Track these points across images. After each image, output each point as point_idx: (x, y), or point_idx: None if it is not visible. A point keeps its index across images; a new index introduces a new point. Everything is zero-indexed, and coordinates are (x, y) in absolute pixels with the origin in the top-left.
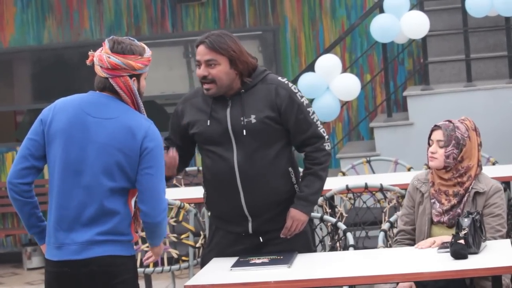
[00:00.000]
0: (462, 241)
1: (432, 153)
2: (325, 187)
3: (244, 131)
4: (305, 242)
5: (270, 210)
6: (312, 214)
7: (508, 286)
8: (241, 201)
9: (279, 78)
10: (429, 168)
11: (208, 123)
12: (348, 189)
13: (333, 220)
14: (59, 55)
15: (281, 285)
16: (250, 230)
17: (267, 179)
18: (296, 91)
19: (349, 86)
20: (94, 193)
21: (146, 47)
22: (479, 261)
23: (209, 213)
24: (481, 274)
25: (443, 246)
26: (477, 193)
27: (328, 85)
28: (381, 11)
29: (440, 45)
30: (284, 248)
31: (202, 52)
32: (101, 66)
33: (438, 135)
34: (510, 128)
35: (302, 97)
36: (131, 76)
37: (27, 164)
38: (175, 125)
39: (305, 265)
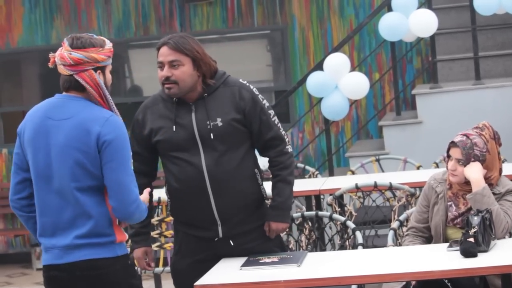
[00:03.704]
0: (471, 239)
1: (452, 170)
2: (335, 186)
3: (212, 134)
4: (278, 242)
5: (239, 213)
6: (321, 213)
7: None
8: (211, 206)
9: (240, 80)
10: (438, 166)
11: (174, 129)
12: (357, 188)
13: (343, 218)
14: None
15: (291, 284)
16: (220, 234)
17: (236, 182)
18: (257, 93)
19: (357, 84)
20: (66, 196)
21: (106, 39)
22: (489, 259)
23: (172, 220)
24: (491, 272)
25: (452, 244)
26: (493, 195)
27: (337, 84)
28: (389, 9)
29: (448, 43)
30: (260, 250)
31: (165, 53)
32: (63, 64)
33: (456, 153)
34: None
35: (263, 99)
36: (95, 70)
37: (19, 178)
38: (138, 136)
39: (315, 264)
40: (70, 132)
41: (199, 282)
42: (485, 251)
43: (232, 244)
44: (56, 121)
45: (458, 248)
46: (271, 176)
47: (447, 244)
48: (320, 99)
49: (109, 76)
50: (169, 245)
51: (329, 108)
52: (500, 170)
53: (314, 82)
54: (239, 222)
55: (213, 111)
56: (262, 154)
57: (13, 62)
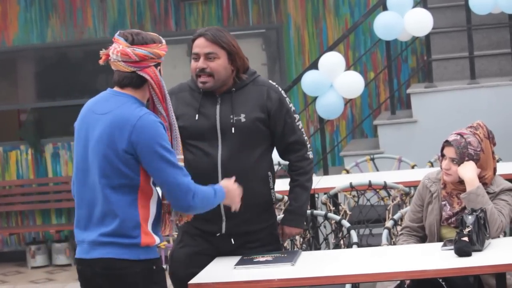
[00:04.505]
0: (466, 239)
1: (446, 169)
2: (329, 185)
3: (233, 128)
4: (275, 248)
5: (245, 212)
6: (316, 211)
7: None
8: None
9: (270, 81)
10: (432, 166)
11: (196, 118)
12: (352, 187)
13: (337, 217)
14: (62, 53)
15: (285, 283)
16: (223, 230)
17: (248, 180)
18: (285, 96)
19: (352, 83)
20: (97, 192)
21: (159, 36)
22: (483, 259)
23: None
24: (485, 272)
25: (447, 243)
26: (487, 194)
27: (332, 82)
28: (385, 8)
29: (443, 43)
30: (256, 253)
31: (202, 45)
32: (125, 61)
33: (450, 152)
34: None
35: (290, 103)
36: (155, 66)
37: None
38: None
39: (309, 263)
40: (104, 127)
41: (193, 280)
42: (480, 250)
43: (233, 242)
44: (97, 115)
45: (452, 247)
46: (287, 174)
47: (441, 243)
48: (315, 98)
49: (161, 72)
50: (163, 244)
51: (324, 107)
52: (495, 170)
53: (309, 81)
54: (244, 221)
55: (238, 107)
56: (283, 157)
57: (9, 61)
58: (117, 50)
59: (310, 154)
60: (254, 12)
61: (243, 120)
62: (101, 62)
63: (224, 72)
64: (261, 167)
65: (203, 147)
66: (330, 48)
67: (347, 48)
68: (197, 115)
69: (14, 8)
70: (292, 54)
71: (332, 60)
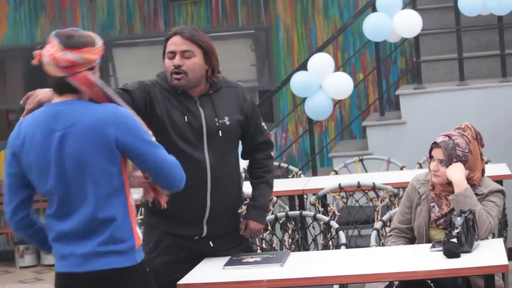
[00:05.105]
0: (454, 240)
1: (435, 171)
2: (318, 185)
3: (220, 132)
4: (246, 247)
5: (226, 214)
6: (305, 212)
7: (501, 287)
8: (206, 203)
9: (238, 82)
10: (421, 167)
11: (186, 119)
12: (340, 188)
13: (326, 218)
14: None
15: (274, 284)
16: (204, 233)
17: (231, 183)
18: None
19: (341, 85)
20: (87, 202)
21: (95, 35)
22: (472, 260)
23: (145, 217)
24: (473, 273)
25: (435, 245)
26: (476, 195)
27: (321, 84)
28: (374, 10)
29: (432, 44)
30: (230, 254)
31: (178, 42)
32: (56, 66)
33: (438, 153)
34: (502, 127)
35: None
36: (89, 70)
37: (20, 198)
38: (143, 92)
39: (298, 264)
40: (83, 138)
41: (181, 281)
42: (468, 251)
43: (211, 245)
44: (62, 131)
45: (441, 248)
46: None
47: (430, 244)
48: (304, 99)
49: (97, 74)
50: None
51: (313, 108)
52: (483, 171)
53: (298, 82)
54: (223, 224)
55: (220, 109)
56: (248, 156)
57: None
58: (50, 53)
59: (273, 154)
60: (243, 12)
61: (227, 123)
62: (34, 62)
63: (199, 71)
64: (237, 168)
65: (189, 151)
66: (319, 49)
67: (336, 49)
68: (185, 117)
69: (3, 8)
70: (281, 55)
71: (321, 61)
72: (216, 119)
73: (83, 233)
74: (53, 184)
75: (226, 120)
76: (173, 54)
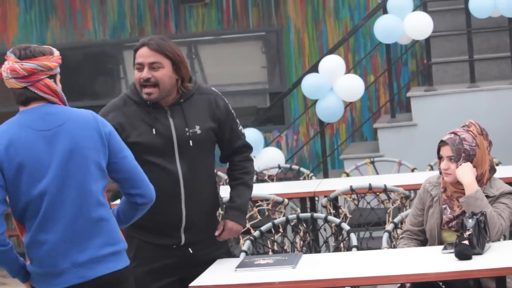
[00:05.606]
0: (466, 242)
1: (445, 169)
2: (329, 188)
3: (191, 142)
4: (226, 250)
5: (202, 220)
6: (316, 214)
7: None
8: (181, 212)
9: (212, 88)
10: (432, 169)
11: (154, 132)
12: (352, 190)
13: (337, 220)
14: (62, 55)
15: (286, 286)
16: (183, 241)
17: (206, 190)
18: (227, 101)
19: (352, 87)
20: (82, 205)
21: (52, 47)
22: (483, 262)
23: (124, 228)
24: (485, 275)
25: (447, 246)
26: (487, 197)
27: (332, 86)
28: (385, 12)
29: (443, 46)
30: (210, 258)
31: (146, 54)
32: (15, 77)
33: (446, 151)
34: None
35: (231, 108)
36: (49, 78)
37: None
38: None
39: (310, 266)
40: (76, 134)
41: (194, 283)
42: (480, 253)
43: (191, 251)
44: (52, 130)
45: (452, 250)
46: (227, 179)
47: (442, 246)
48: (315, 101)
49: (59, 85)
50: None
51: (324, 110)
52: (492, 168)
53: (309, 84)
54: (201, 230)
55: (190, 118)
56: (226, 160)
57: None
58: (7, 67)
59: (252, 156)
60: (254, 14)
61: (198, 132)
62: None
63: (169, 81)
64: (212, 175)
65: (160, 163)
66: (330, 51)
67: (347, 51)
68: (153, 130)
69: (14, 10)
70: (292, 57)
71: (332, 63)
72: (186, 129)
73: (79, 236)
74: (49, 181)
75: (197, 129)
76: (141, 65)
